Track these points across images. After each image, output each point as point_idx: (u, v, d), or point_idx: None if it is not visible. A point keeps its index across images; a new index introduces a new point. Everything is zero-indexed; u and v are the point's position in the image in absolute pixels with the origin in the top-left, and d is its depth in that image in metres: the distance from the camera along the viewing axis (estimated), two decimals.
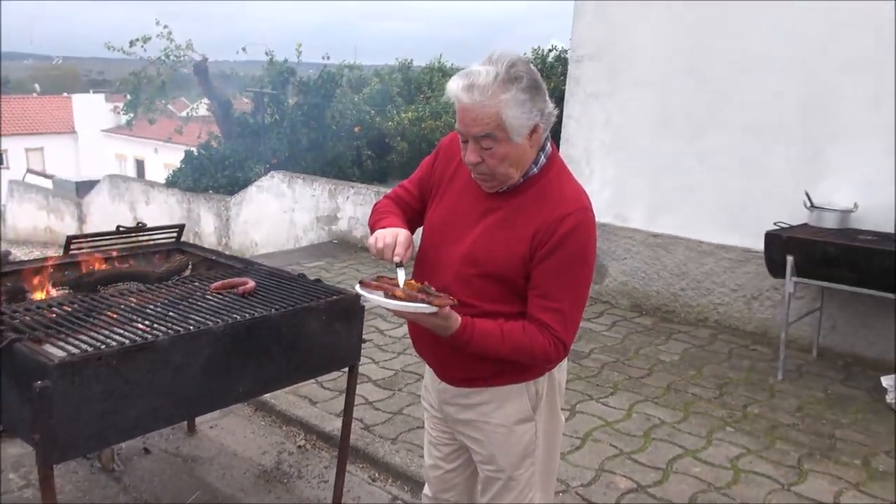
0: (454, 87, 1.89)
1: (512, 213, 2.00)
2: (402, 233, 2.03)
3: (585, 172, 6.46)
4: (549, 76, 10.68)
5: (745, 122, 5.57)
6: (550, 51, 11.74)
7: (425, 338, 2.17)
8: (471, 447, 2.24)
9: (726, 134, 5.68)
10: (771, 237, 4.84)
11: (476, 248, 2.02)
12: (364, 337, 3.03)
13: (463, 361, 2.09)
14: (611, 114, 6.32)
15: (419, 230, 2.25)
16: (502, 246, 1.98)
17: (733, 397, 4.55)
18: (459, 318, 1.93)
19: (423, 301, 1.88)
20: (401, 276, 1.98)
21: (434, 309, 1.87)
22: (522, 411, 2.14)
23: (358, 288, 1.95)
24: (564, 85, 6.77)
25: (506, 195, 2.02)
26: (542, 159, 2.02)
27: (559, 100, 6.98)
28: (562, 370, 2.24)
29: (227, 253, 3.70)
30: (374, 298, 1.91)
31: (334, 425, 3.96)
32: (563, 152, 6.62)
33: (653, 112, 6.08)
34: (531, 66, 1.91)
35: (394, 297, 1.90)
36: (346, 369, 3.06)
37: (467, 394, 2.17)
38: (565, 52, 10.52)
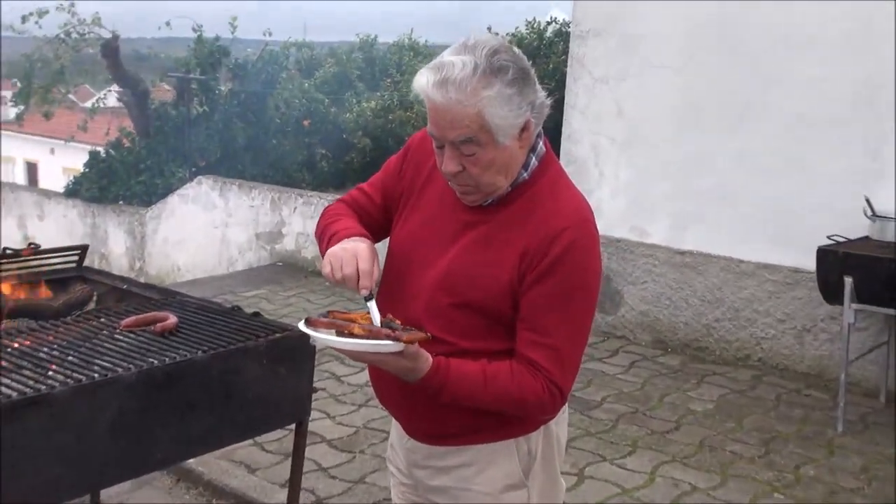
0: (423, 82, 1.88)
1: (496, 229, 2.01)
2: (361, 249, 2.00)
3: (593, 176, 6.51)
4: (547, 56, 10.79)
5: (791, 112, 5.64)
6: (549, 24, 11.86)
7: (389, 384, 2.14)
8: None
9: (769, 126, 5.75)
10: (824, 254, 4.89)
11: (452, 273, 2.02)
12: (316, 385, 3.02)
13: (435, 412, 2.07)
14: (624, 102, 6.38)
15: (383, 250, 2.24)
16: (484, 269, 1.99)
17: (782, 456, 4.57)
18: (430, 359, 1.92)
19: (387, 338, 1.84)
20: (373, 311, 1.94)
21: (400, 347, 1.84)
22: (511, 475, 2.13)
23: (302, 326, 1.94)
24: (566, 66, 6.83)
25: (490, 208, 2.03)
26: (534, 162, 2.03)
27: (560, 85, 7.05)
28: (561, 423, 2.23)
29: (142, 280, 3.68)
30: (323, 338, 1.90)
31: (278, 498, 3.93)
32: (566, 151, 6.67)
33: (676, 99, 6.14)
34: (516, 51, 1.92)
35: (350, 334, 1.88)
36: (293, 426, 3.04)
37: (442, 454, 2.16)
38: (567, 25, 10.64)
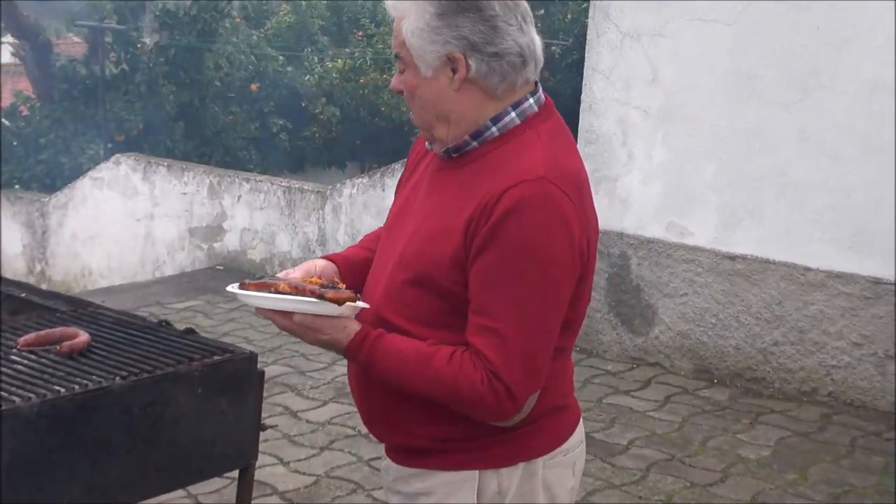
0: None
1: (454, 193, 2.16)
2: (318, 262, 2.36)
3: (620, 158, 6.53)
4: (563, 3, 10.84)
5: (869, 79, 5.67)
6: None
7: (352, 380, 2.37)
8: None
9: (842, 96, 5.78)
10: None
11: (408, 244, 2.19)
12: (265, 422, 3.06)
13: (396, 422, 2.25)
14: (660, 65, 6.42)
15: None
16: (433, 239, 2.14)
17: None
18: (358, 326, 2.11)
19: (311, 294, 2.06)
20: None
21: (324, 304, 2.05)
22: None
23: (232, 288, 2.17)
24: (588, 18, 6.86)
25: (455, 166, 2.19)
26: (513, 117, 2.15)
27: (580, 42, 7.08)
28: (556, 468, 2.27)
29: (44, 287, 3.71)
30: (244, 294, 2.14)
31: None
32: (585, 125, 6.69)
33: (726, 62, 6.17)
34: None
35: (276, 291, 2.10)
36: (236, 473, 3.07)
37: (407, 478, 2.29)
38: None
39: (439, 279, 2.10)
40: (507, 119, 2.14)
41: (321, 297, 2.04)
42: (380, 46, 12.90)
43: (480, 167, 2.12)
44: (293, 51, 13.81)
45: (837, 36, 5.76)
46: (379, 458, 2.99)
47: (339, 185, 8.95)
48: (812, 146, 5.90)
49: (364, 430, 3.44)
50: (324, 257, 2.43)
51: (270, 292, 2.10)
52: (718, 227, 6.27)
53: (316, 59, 13.43)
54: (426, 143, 2.28)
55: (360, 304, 2.15)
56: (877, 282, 5.68)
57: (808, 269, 5.94)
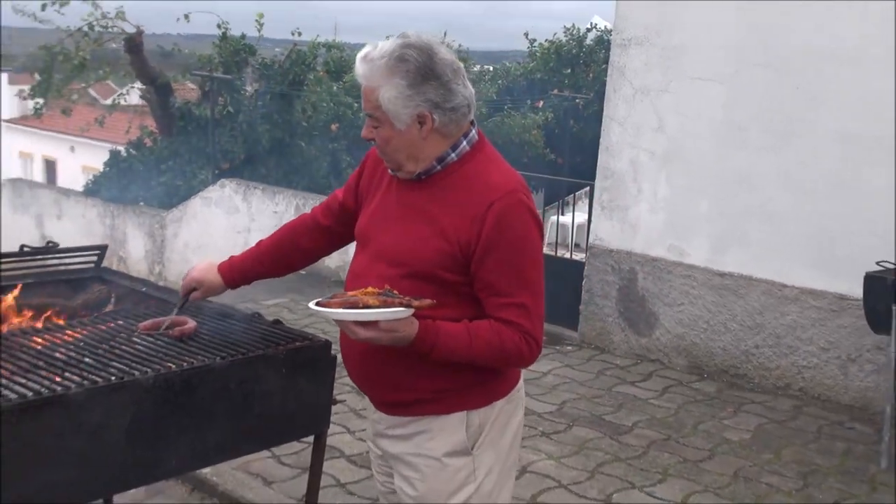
0: (358, 54, 2.33)
1: (429, 204, 2.37)
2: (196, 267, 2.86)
3: (632, 192, 6.52)
4: (587, 64, 10.83)
5: (839, 130, 5.64)
6: (589, 30, 11.89)
7: (356, 359, 2.50)
8: (402, 490, 2.52)
9: (815, 144, 5.75)
10: (872, 280, 4.87)
11: (397, 245, 2.38)
12: (336, 397, 3.06)
13: (396, 382, 2.42)
14: (665, 115, 6.40)
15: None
16: (423, 239, 2.34)
17: (821, 490, 4.56)
18: (417, 322, 2.24)
19: (400, 305, 2.16)
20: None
21: (410, 312, 2.18)
22: (459, 444, 2.44)
23: (313, 306, 2.23)
24: (605, 76, 6.86)
25: (424, 185, 2.39)
26: (464, 146, 2.39)
27: (599, 95, 7.07)
28: (514, 401, 2.54)
29: (160, 284, 3.74)
30: (342, 313, 2.18)
31: None
32: (603, 164, 6.69)
33: (720, 114, 6.15)
34: (435, 52, 2.27)
35: (365, 306, 2.17)
36: (311, 439, 3.08)
37: (404, 423, 2.49)
38: (608, 33, 10.66)
39: (436, 270, 2.31)
40: (461, 147, 2.37)
41: (408, 305, 2.17)
42: None
43: (448, 184, 2.35)
44: None
45: (813, 94, 5.74)
46: None
47: None
48: (790, 184, 5.87)
49: None
50: (219, 266, 2.88)
51: (359, 307, 2.17)
52: (711, 250, 6.25)
53: None
54: (389, 170, 2.44)
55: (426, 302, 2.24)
56: (842, 297, 5.64)
57: (784, 286, 5.91)
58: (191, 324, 2.96)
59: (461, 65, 2.36)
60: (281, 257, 2.87)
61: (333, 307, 2.20)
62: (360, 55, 2.32)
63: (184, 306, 2.93)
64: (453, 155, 2.36)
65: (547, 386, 5.90)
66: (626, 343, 6.68)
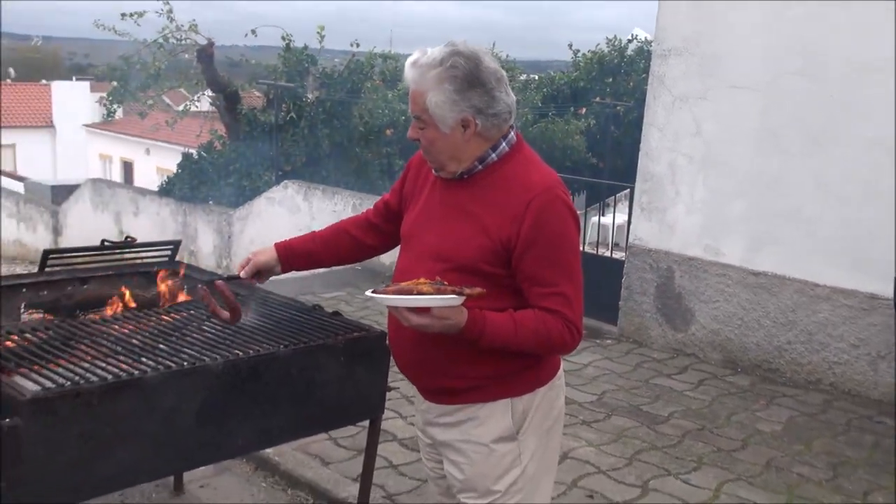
0: (409, 59, 2.35)
1: (471, 203, 2.38)
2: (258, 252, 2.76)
3: (669, 194, 6.47)
4: (627, 73, 10.75)
5: (871, 137, 5.54)
6: (630, 41, 11.81)
7: (406, 350, 2.50)
8: (451, 474, 2.52)
9: (848, 149, 5.66)
10: None
11: (442, 242, 2.39)
12: (390, 385, 3.09)
13: (445, 371, 2.42)
14: (702, 121, 6.34)
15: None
16: (466, 237, 2.34)
17: (851, 481, 4.49)
18: (466, 311, 2.24)
19: (453, 293, 2.16)
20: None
21: (462, 300, 2.18)
22: (505, 430, 2.44)
23: (371, 294, 2.25)
24: (646, 85, 6.81)
25: (466, 184, 2.40)
26: (504, 147, 2.39)
27: (640, 103, 7.03)
28: (557, 389, 2.54)
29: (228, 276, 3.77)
30: (398, 299, 2.19)
31: (350, 492, 4.00)
32: (643, 168, 6.65)
33: (755, 120, 6.08)
34: (481, 60, 2.28)
35: (419, 293, 2.18)
36: (367, 423, 3.11)
37: (452, 411, 2.48)
38: (649, 44, 10.58)
39: (479, 264, 2.31)
40: (500, 148, 2.38)
41: (460, 293, 2.17)
42: None
43: (489, 183, 2.36)
44: None
45: (846, 102, 5.65)
46: None
47: None
48: (823, 189, 5.78)
49: None
50: (276, 245, 2.85)
51: (413, 294, 2.18)
52: (745, 250, 6.18)
53: None
54: (433, 170, 2.45)
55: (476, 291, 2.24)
56: (873, 297, 5.55)
57: (816, 285, 5.82)
58: (224, 314, 2.82)
59: (504, 73, 2.38)
60: (331, 242, 2.84)
61: (390, 294, 2.21)
62: (409, 60, 2.34)
63: (232, 279, 2.83)
64: (493, 155, 2.37)
65: (587, 377, 5.87)
66: (663, 338, 6.63)
